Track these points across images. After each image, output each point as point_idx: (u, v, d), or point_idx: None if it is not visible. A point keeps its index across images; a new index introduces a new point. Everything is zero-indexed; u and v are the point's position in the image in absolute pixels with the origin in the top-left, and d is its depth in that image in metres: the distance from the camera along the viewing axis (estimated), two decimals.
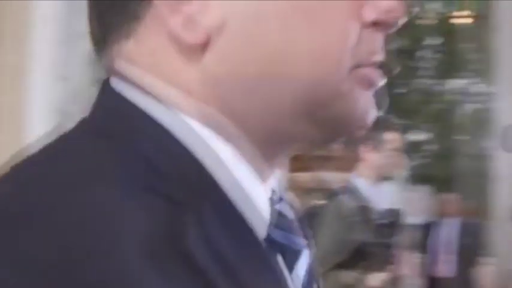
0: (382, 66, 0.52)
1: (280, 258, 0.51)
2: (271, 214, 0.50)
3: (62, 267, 0.38)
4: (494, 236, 4.21)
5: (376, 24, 0.51)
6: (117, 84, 0.51)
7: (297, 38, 0.48)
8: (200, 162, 0.47)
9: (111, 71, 0.52)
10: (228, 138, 0.49)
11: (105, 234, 0.39)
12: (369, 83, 0.51)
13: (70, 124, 0.51)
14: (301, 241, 0.53)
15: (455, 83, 10.34)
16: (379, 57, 0.51)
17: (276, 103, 0.49)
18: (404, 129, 5.99)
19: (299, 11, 0.48)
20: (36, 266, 0.38)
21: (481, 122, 7.94)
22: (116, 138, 0.47)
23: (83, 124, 0.50)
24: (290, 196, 0.58)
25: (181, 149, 0.47)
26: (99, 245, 0.38)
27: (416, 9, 9.30)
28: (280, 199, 0.54)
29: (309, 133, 0.51)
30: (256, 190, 0.49)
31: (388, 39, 0.53)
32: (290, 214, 0.54)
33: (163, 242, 0.41)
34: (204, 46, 0.48)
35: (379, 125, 2.68)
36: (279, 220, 0.51)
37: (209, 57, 0.48)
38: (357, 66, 0.50)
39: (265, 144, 0.51)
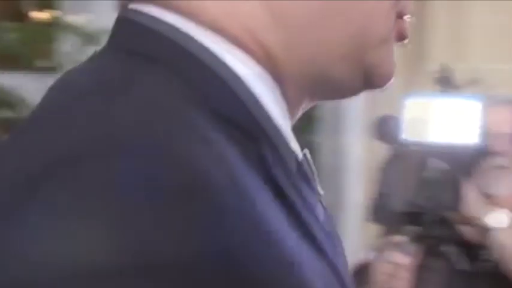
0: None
1: None
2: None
3: (193, 191, 0.38)
4: (346, 231, 4.23)
5: None
6: (150, 10, 0.48)
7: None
8: (253, 96, 0.47)
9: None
10: (276, 77, 0.49)
11: (215, 158, 0.40)
12: (403, 37, 0.54)
13: None
14: (317, 187, 0.54)
15: None
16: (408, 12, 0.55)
17: (330, 44, 0.50)
18: None
19: None
20: (165, 191, 0.37)
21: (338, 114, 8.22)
22: (188, 81, 0.45)
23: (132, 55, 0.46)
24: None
25: (237, 82, 0.47)
26: (216, 167, 0.39)
27: None
28: None
29: (348, 79, 0.52)
30: (289, 131, 0.50)
31: None
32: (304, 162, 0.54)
33: (253, 168, 0.43)
34: None
35: None
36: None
37: None
38: (398, 17, 0.53)
39: (306, 87, 0.52)
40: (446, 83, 1.68)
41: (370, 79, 0.53)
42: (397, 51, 0.56)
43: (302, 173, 0.51)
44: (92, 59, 0.49)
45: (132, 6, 0.49)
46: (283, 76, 0.50)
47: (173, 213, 0.36)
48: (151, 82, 0.44)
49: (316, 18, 0.49)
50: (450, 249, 1.66)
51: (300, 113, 0.54)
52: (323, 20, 0.49)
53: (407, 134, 1.64)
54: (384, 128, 2.14)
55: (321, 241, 0.48)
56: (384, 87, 0.54)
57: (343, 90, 0.55)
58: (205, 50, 0.46)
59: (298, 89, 0.51)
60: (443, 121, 1.64)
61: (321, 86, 0.52)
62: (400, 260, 1.59)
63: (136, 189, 0.37)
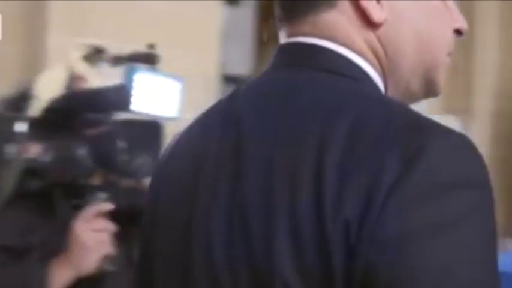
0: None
1: None
2: None
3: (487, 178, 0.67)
4: None
5: (456, 31, 0.84)
6: (311, 40, 0.78)
7: (432, 29, 0.80)
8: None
9: (300, 34, 0.78)
10: (383, 81, 0.80)
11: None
12: (446, 69, 0.83)
13: None
14: None
15: None
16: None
17: (415, 68, 0.80)
18: None
19: (434, 12, 0.80)
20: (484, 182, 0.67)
21: None
22: (366, 82, 0.78)
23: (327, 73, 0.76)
24: None
25: (370, 81, 0.79)
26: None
27: None
28: None
29: (418, 91, 0.82)
30: None
31: None
32: None
33: None
34: (381, 23, 0.77)
35: None
36: None
37: (381, 30, 0.78)
38: (448, 54, 0.83)
39: (393, 91, 0.81)
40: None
41: (430, 91, 0.84)
42: None
43: None
44: (291, 70, 0.78)
45: (304, 38, 0.79)
46: (386, 81, 0.80)
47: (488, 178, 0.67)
48: (369, 89, 0.78)
49: (410, 52, 0.79)
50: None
51: None
52: (414, 53, 0.80)
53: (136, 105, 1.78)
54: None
55: None
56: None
57: (412, 98, 0.84)
58: (358, 67, 0.78)
59: (389, 91, 0.81)
60: (149, 94, 1.81)
61: (401, 92, 0.81)
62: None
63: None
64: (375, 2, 0.76)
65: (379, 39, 0.78)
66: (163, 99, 1.88)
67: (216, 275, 0.73)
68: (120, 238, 1.79)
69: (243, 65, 6.25)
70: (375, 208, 0.61)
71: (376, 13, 0.76)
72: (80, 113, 1.81)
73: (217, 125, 0.78)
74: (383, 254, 0.61)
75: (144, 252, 0.87)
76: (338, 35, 0.76)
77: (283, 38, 0.81)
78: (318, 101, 0.71)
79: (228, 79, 5.09)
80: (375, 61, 0.79)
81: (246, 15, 6.52)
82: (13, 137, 1.74)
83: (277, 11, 0.81)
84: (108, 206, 1.76)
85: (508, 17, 5.99)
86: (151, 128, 1.91)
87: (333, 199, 0.63)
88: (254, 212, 0.69)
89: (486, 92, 5.81)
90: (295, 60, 0.78)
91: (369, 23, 0.77)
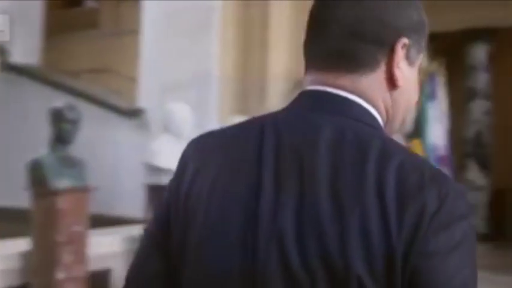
0: None
1: None
2: None
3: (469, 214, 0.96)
4: None
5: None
6: (348, 95, 1.04)
7: (414, 97, 1.13)
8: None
9: (340, 86, 1.04)
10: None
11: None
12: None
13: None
14: None
15: None
16: None
17: (400, 116, 1.11)
18: None
19: (416, 86, 1.13)
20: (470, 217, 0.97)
21: None
22: (378, 129, 1.05)
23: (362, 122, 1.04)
24: None
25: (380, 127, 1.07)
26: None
27: None
28: None
29: (397, 129, 1.13)
30: None
31: None
32: None
33: None
34: (399, 87, 1.07)
35: None
36: None
37: (396, 93, 1.07)
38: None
39: (387, 130, 1.10)
40: None
41: (402, 129, 1.18)
42: None
43: None
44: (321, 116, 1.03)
45: (340, 92, 1.05)
46: (385, 127, 1.09)
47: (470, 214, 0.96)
48: (382, 133, 1.05)
49: (402, 110, 1.10)
50: None
51: None
52: (403, 111, 1.11)
53: None
54: None
55: None
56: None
57: (392, 133, 1.11)
58: (376, 119, 1.06)
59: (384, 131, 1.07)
60: None
61: (388, 131, 1.09)
62: None
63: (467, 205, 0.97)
64: (400, 72, 1.06)
65: (391, 99, 1.07)
66: None
67: (289, 266, 0.95)
68: None
69: (30, 54, 7.04)
70: (422, 230, 0.92)
71: (400, 80, 1.06)
72: None
73: (263, 135, 1.04)
74: (424, 261, 0.92)
75: (176, 240, 1.06)
76: (367, 93, 1.04)
77: (310, 82, 1.08)
78: (363, 138, 0.99)
79: (13, 68, 5.63)
80: (383, 114, 1.07)
81: (35, 4, 6.86)
82: None
83: (316, 59, 1.08)
84: None
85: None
86: None
87: (396, 223, 0.92)
88: (326, 218, 0.94)
89: (278, 95, 6.74)
90: (331, 107, 1.04)
91: (391, 87, 1.06)
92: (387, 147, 0.98)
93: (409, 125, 5.58)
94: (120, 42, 10.62)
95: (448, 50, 9.81)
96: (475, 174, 11.94)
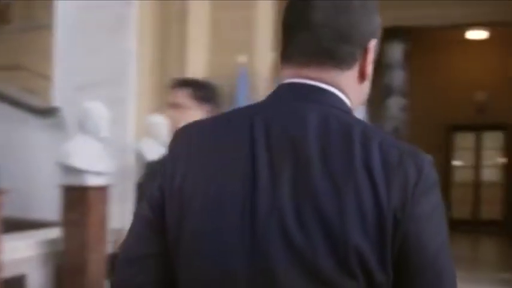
0: None
1: None
2: None
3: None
4: None
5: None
6: (328, 87, 1.19)
7: (368, 89, 1.27)
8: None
9: (320, 80, 1.19)
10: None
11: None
12: None
13: None
14: None
15: None
16: None
17: (361, 102, 1.27)
18: None
19: (370, 82, 1.26)
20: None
21: None
22: (350, 113, 1.19)
23: (342, 109, 1.19)
24: None
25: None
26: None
27: None
28: None
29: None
30: None
31: None
32: None
33: None
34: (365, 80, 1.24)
35: None
36: None
37: (362, 85, 1.24)
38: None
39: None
40: None
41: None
42: None
43: None
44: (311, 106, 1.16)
45: (321, 84, 1.19)
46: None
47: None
48: (360, 120, 1.16)
49: (362, 97, 1.27)
50: None
51: None
52: (364, 97, 1.27)
53: None
54: None
55: None
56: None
57: None
58: (348, 106, 1.21)
59: None
60: None
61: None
62: None
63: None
64: (369, 68, 1.23)
65: (358, 90, 1.24)
66: None
67: (291, 241, 1.06)
68: None
69: None
70: (408, 199, 1.07)
71: (368, 76, 1.23)
72: None
73: (257, 125, 1.16)
74: (411, 225, 1.07)
75: (175, 229, 1.15)
76: (343, 86, 1.21)
77: (290, 76, 1.22)
78: (344, 123, 1.14)
79: None
80: (352, 102, 1.23)
81: None
82: None
83: (300, 57, 1.22)
84: None
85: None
86: None
87: (385, 195, 1.06)
88: (323, 196, 1.07)
89: None
90: (302, 97, 1.18)
91: (361, 80, 1.24)
92: (366, 130, 1.13)
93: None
94: (32, 38, 10.28)
95: None
96: None
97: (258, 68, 7.08)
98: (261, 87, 6.89)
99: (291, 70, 1.23)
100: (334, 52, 1.20)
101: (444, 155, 14.25)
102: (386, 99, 12.28)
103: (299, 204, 1.07)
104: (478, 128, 14.62)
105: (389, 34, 12.40)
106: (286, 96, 1.20)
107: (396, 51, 12.30)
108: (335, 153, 1.10)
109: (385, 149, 1.10)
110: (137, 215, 1.22)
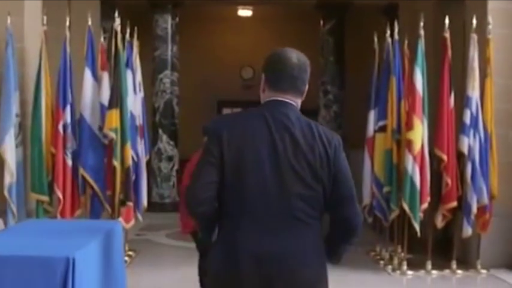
0: None
1: None
2: None
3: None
4: None
5: None
6: (294, 103, 2.70)
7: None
8: None
9: (292, 99, 2.68)
10: None
11: None
12: None
13: None
14: None
15: None
16: None
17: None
18: None
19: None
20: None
21: None
22: (302, 115, 2.71)
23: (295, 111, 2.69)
24: None
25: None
26: None
27: None
28: None
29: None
30: None
31: None
32: None
33: None
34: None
35: None
36: None
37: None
38: None
39: None
40: None
41: None
42: None
43: None
44: (286, 112, 2.64)
45: (288, 100, 2.68)
46: None
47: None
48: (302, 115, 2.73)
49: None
50: None
51: None
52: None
53: None
54: None
55: None
56: None
57: None
58: (298, 111, 2.73)
59: None
60: None
61: None
62: None
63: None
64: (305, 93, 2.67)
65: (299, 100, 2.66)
66: None
67: (293, 167, 2.55)
68: None
69: None
70: (336, 153, 2.63)
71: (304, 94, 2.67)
72: None
73: (262, 119, 2.59)
74: (339, 167, 2.64)
75: (232, 163, 2.54)
76: (299, 102, 2.65)
77: (274, 96, 2.63)
78: (305, 121, 2.60)
79: None
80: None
81: None
82: None
83: (282, 87, 2.63)
84: None
85: None
86: None
87: (328, 150, 2.60)
88: (308, 153, 2.56)
89: None
90: (286, 107, 2.61)
91: (302, 95, 2.67)
92: (315, 123, 2.67)
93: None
94: None
95: (138, 19, 9.64)
96: (164, 145, 12.15)
97: None
98: None
99: (277, 93, 2.64)
100: (299, 89, 2.68)
101: None
102: (158, 73, 12.18)
103: (296, 155, 2.55)
104: (245, 104, 15.00)
105: (159, 6, 12.27)
106: (277, 105, 2.63)
107: (166, 24, 12.22)
108: (307, 133, 2.59)
109: (324, 132, 2.64)
110: (204, 161, 2.56)
